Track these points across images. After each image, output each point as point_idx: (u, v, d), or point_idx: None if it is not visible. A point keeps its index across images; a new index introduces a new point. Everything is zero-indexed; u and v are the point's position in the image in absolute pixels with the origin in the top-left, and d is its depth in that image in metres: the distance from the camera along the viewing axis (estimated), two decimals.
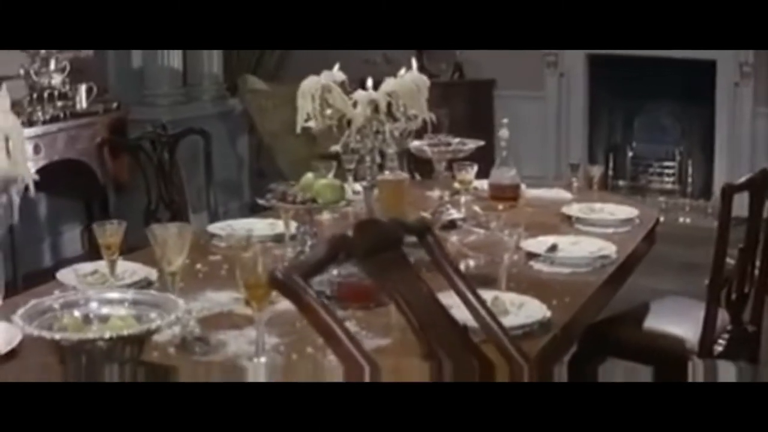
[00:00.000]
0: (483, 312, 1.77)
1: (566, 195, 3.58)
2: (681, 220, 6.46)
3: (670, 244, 4.14)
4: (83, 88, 5.04)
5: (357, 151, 2.62)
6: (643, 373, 2.46)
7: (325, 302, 1.60)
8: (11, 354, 1.98)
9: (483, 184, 3.35)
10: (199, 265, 2.65)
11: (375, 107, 2.57)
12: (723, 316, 2.84)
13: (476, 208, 3.23)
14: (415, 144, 3.12)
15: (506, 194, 3.14)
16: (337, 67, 2.64)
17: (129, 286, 2.34)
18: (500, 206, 3.06)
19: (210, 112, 6.13)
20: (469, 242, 2.89)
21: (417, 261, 1.81)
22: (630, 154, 7.07)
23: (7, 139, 1.65)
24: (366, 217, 2.56)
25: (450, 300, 1.78)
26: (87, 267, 2.57)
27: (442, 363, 1.65)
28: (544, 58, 7.02)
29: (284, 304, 1.99)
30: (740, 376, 2.27)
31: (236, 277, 2.01)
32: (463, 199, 3.27)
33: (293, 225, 2.69)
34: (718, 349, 2.84)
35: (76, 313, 1.90)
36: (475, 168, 3.28)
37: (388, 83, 2.63)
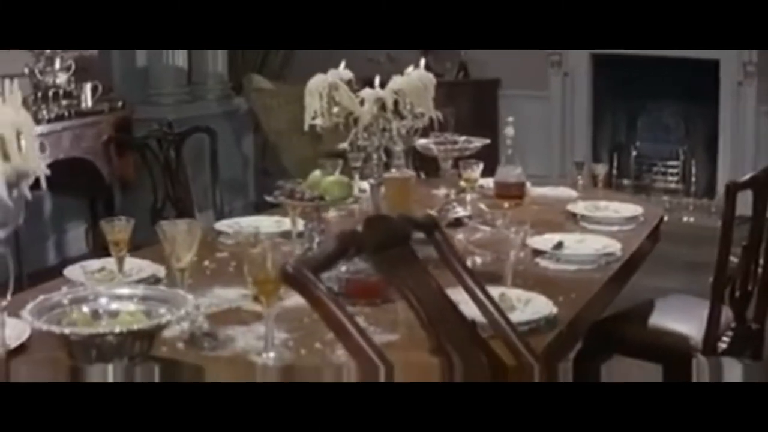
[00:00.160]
0: (491, 308, 1.78)
1: (571, 193, 3.59)
2: (685, 219, 6.47)
3: (674, 243, 4.14)
4: (88, 86, 5.05)
5: (364, 148, 2.62)
6: (648, 370, 2.46)
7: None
8: (20, 349, 1.97)
9: (489, 182, 3.36)
10: (206, 262, 2.66)
11: (382, 105, 2.58)
12: (727, 314, 2.85)
13: (482, 205, 3.24)
14: (421, 142, 3.12)
15: (512, 192, 3.14)
16: (343, 65, 2.64)
17: (137, 282, 2.33)
18: (506, 204, 3.06)
19: (215, 111, 6.13)
20: (475, 240, 2.90)
21: (425, 257, 1.80)
22: (634, 153, 7.08)
23: (18, 134, 1.66)
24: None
25: (458, 296, 1.78)
26: (94, 264, 2.56)
27: (450, 358, 1.65)
28: (548, 57, 7.04)
29: (292, 300, 2.01)
30: (744, 373, 2.27)
31: (245, 273, 2.01)
32: (469, 197, 3.27)
33: (300, 222, 2.70)
34: (722, 346, 2.86)
35: (85, 309, 1.90)
36: (481, 166, 3.29)
37: (395, 81, 2.65)
